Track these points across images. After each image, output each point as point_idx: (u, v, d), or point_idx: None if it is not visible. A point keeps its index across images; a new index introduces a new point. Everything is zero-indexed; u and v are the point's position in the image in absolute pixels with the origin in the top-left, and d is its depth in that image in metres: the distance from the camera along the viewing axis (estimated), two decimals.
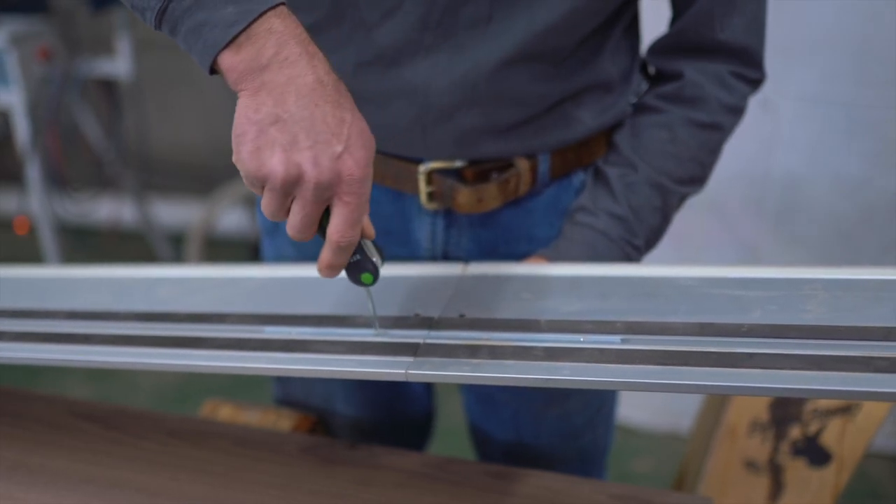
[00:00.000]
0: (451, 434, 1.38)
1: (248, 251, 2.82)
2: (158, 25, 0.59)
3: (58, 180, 2.47)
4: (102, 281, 0.89)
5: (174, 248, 2.85)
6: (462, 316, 0.68)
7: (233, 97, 0.56)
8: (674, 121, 0.82)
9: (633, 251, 0.82)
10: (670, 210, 0.83)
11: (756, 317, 0.62)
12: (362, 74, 0.77)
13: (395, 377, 0.60)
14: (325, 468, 0.85)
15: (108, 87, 2.56)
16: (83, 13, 2.45)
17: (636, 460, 1.89)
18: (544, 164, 0.82)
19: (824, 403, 0.99)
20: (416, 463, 0.85)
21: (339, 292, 0.75)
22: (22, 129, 2.31)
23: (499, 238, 0.85)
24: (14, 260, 1.71)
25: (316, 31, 0.75)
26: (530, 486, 0.81)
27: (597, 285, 0.71)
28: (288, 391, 1.03)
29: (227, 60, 0.55)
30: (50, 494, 0.83)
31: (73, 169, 2.55)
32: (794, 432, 1.02)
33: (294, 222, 0.57)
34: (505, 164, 0.81)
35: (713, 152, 0.84)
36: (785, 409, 1.01)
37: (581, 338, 0.62)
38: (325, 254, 0.58)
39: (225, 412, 1.00)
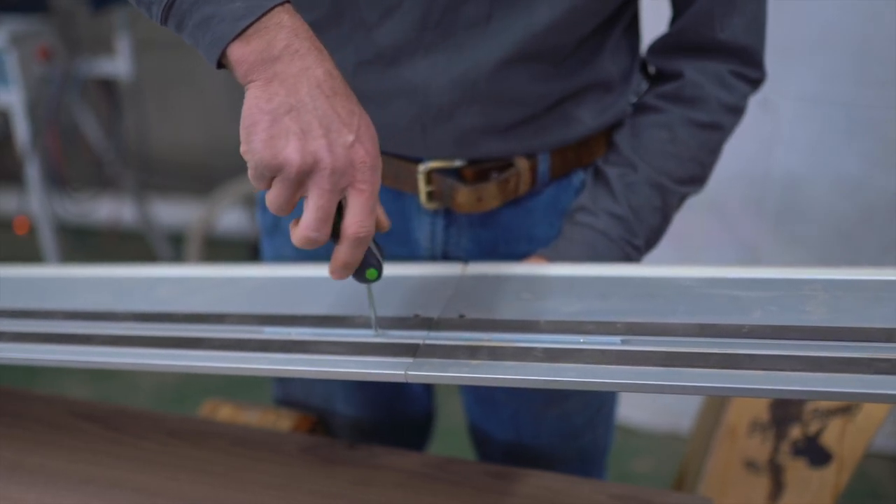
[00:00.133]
0: (451, 434, 1.38)
1: (248, 251, 2.82)
2: (164, 20, 0.59)
3: (58, 180, 2.47)
4: (102, 281, 0.89)
5: (174, 248, 2.85)
6: (462, 316, 0.67)
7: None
8: (674, 120, 0.82)
9: (633, 251, 0.82)
10: (670, 210, 0.83)
11: (756, 317, 0.61)
12: (362, 74, 0.76)
13: (395, 378, 0.60)
14: (325, 468, 0.85)
15: (108, 87, 2.56)
16: (83, 13, 2.45)
17: (636, 460, 1.89)
18: (544, 164, 0.82)
19: (824, 404, 0.99)
20: (416, 463, 0.85)
21: (339, 292, 0.75)
22: (22, 129, 2.31)
23: (498, 238, 0.85)
24: (14, 260, 1.71)
25: (315, 30, 0.74)
26: (530, 486, 0.81)
27: (597, 285, 0.71)
28: (288, 391, 1.03)
29: (238, 52, 0.55)
30: (49, 494, 0.83)
31: (73, 169, 2.55)
32: (795, 432, 1.02)
33: (309, 220, 0.55)
34: (505, 164, 0.81)
35: (713, 152, 0.84)
36: (785, 410, 1.01)
37: (581, 338, 0.61)
38: (342, 251, 0.57)
39: (224, 412, 1.00)
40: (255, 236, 2.70)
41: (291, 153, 0.54)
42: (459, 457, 0.86)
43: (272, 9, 0.55)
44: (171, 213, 3.05)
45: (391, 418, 1.03)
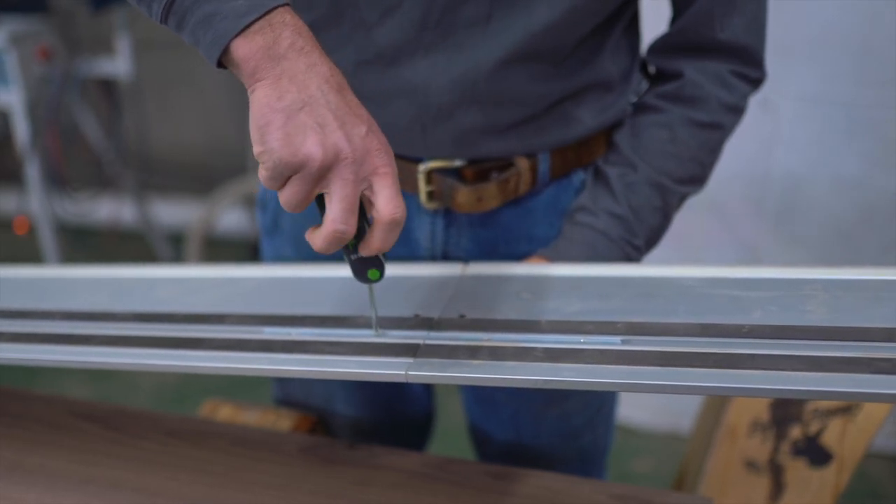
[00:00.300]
0: (450, 434, 1.38)
1: (248, 251, 2.82)
2: (165, 18, 0.59)
3: (57, 180, 2.47)
4: (102, 281, 0.89)
5: (174, 248, 2.85)
6: (462, 316, 0.67)
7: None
8: (674, 120, 0.82)
9: (634, 251, 0.82)
10: (670, 210, 0.83)
11: (757, 317, 0.61)
12: (362, 74, 0.76)
13: (396, 378, 0.60)
14: (325, 468, 0.85)
15: (107, 87, 2.56)
16: (83, 13, 2.46)
17: (636, 460, 1.89)
18: (544, 164, 0.82)
19: (825, 403, 0.99)
20: (416, 463, 0.85)
21: (339, 293, 0.75)
22: (22, 129, 2.31)
23: (499, 238, 0.85)
24: (13, 260, 1.71)
25: (315, 30, 0.75)
26: (530, 486, 0.81)
27: (597, 285, 0.71)
28: (287, 391, 1.03)
29: (243, 49, 0.55)
30: (49, 494, 0.83)
31: (72, 169, 2.55)
32: (795, 432, 1.02)
33: (336, 213, 0.55)
34: (505, 164, 0.81)
35: (713, 152, 0.84)
36: (785, 410, 1.01)
37: (581, 338, 0.61)
38: (378, 238, 0.57)
39: (224, 412, 1.00)
40: (255, 236, 2.70)
41: (312, 148, 0.53)
42: (459, 457, 0.86)
43: (275, 8, 0.56)
44: (171, 213, 3.05)
45: (391, 418, 1.03)
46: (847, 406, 0.98)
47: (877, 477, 1.79)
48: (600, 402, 0.98)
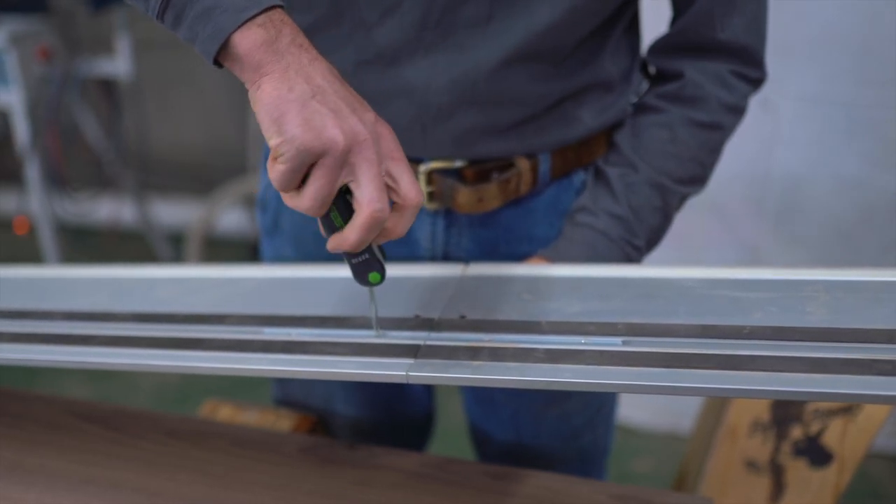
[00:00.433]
0: (451, 434, 1.38)
1: (248, 251, 2.82)
2: (162, 13, 0.58)
3: (57, 180, 2.47)
4: (102, 281, 0.89)
5: (174, 248, 2.85)
6: (463, 317, 0.67)
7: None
8: (674, 120, 0.82)
9: (634, 251, 0.82)
10: (671, 210, 0.83)
11: (757, 318, 0.61)
12: (362, 74, 0.76)
13: (396, 379, 0.60)
14: (325, 468, 0.85)
15: (107, 87, 2.56)
16: (83, 13, 2.45)
17: (636, 460, 1.88)
18: (545, 164, 0.82)
19: (825, 404, 0.99)
20: (416, 463, 0.85)
21: (339, 293, 0.75)
22: (21, 129, 2.31)
23: (499, 238, 0.85)
24: (13, 260, 1.71)
25: (315, 30, 0.75)
26: (530, 487, 0.80)
27: (598, 286, 0.70)
28: (287, 392, 1.03)
29: (246, 43, 0.55)
30: (49, 494, 0.83)
31: (72, 169, 2.55)
32: (795, 432, 1.02)
33: (372, 193, 0.54)
34: (505, 164, 0.81)
35: (714, 152, 0.84)
36: (786, 410, 1.01)
37: (582, 339, 0.61)
38: (405, 222, 0.57)
39: (224, 412, 1.00)
40: (255, 236, 2.70)
41: (333, 130, 0.53)
42: (459, 457, 0.86)
43: (273, 7, 0.56)
44: (171, 213, 3.05)
45: (391, 419, 1.03)
46: (848, 406, 0.98)
47: (877, 477, 1.79)
48: (600, 402, 0.98)
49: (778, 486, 1.06)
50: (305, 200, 0.55)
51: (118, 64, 2.38)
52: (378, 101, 0.76)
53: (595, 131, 0.83)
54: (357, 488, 0.82)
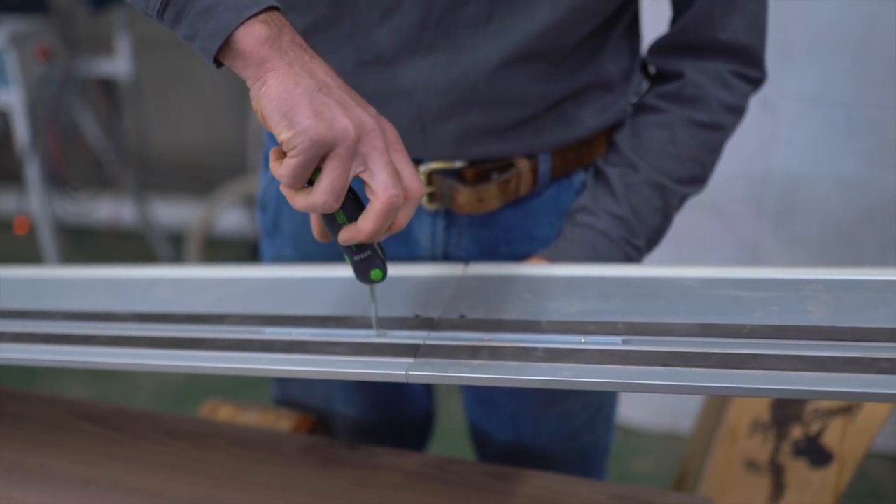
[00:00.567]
0: (451, 434, 1.38)
1: (248, 251, 2.82)
2: (163, 11, 0.58)
3: (57, 180, 2.47)
4: (102, 281, 0.89)
5: (174, 248, 2.85)
6: (463, 317, 0.67)
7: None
8: (674, 120, 0.82)
9: (634, 251, 0.82)
10: (671, 210, 0.83)
11: (758, 318, 0.61)
12: (362, 74, 0.76)
13: (396, 378, 0.60)
14: (325, 469, 0.85)
15: (107, 87, 2.56)
16: (83, 13, 2.46)
17: (636, 460, 1.88)
18: (545, 164, 0.82)
19: (825, 404, 0.99)
20: (416, 463, 0.85)
21: (339, 293, 0.75)
22: (21, 129, 2.31)
23: (499, 238, 0.85)
24: (13, 260, 1.71)
25: (315, 31, 0.75)
26: (530, 487, 0.80)
27: (598, 286, 0.70)
28: (287, 391, 1.03)
29: (249, 39, 0.55)
30: (48, 494, 0.83)
31: (72, 169, 2.55)
32: (796, 432, 1.02)
33: (385, 180, 0.54)
34: (505, 164, 0.81)
35: (714, 152, 0.84)
36: (786, 410, 1.01)
37: (582, 339, 0.61)
38: (405, 214, 0.57)
39: (224, 412, 1.00)
40: (255, 236, 2.70)
41: (343, 121, 0.54)
42: (459, 457, 0.86)
43: (272, 7, 0.56)
44: (171, 213, 3.05)
45: (391, 419, 1.03)
46: (848, 406, 0.98)
47: (877, 477, 1.79)
48: (600, 402, 0.98)
49: (778, 486, 1.06)
50: (320, 195, 0.54)
51: (118, 64, 2.38)
52: (378, 102, 0.76)
53: (595, 131, 0.83)
54: (357, 488, 0.82)
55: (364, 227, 0.56)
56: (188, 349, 0.69)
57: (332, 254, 0.82)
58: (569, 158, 0.83)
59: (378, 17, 0.74)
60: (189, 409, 1.25)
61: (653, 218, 0.82)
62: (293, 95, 0.53)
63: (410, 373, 0.59)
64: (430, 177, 0.80)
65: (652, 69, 0.86)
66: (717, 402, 1.12)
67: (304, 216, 0.87)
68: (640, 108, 0.85)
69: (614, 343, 0.60)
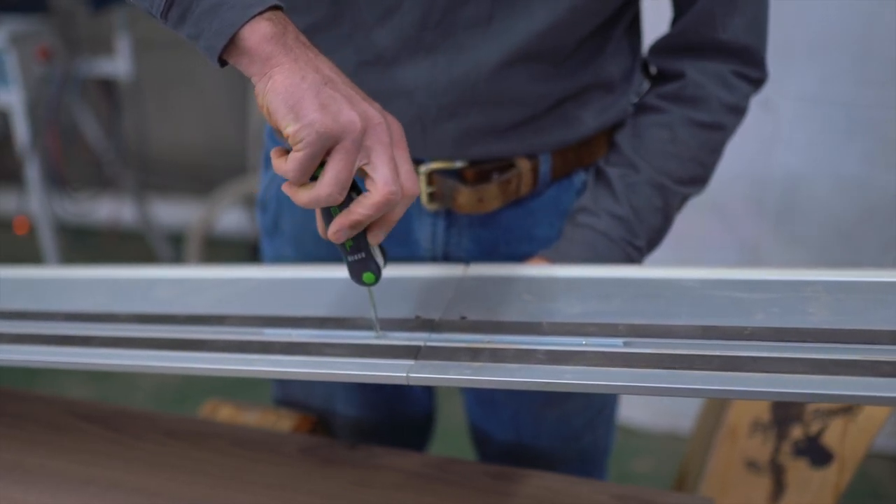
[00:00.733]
0: (451, 434, 1.38)
1: (248, 251, 2.82)
2: (167, 11, 0.59)
3: (57, 180, 2.47)
4: (102, 281, 0.89)
5: (174, 248, 2.84)
6: (463, 318, 0.67)
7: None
8: (675, 121, 0.82)
9: (635, 252, 0.82)
10: (672, 210, 0.83)
11: (758, 319, 0.61)
12: (362, 74, 0.76)
13: (397, 380, 0.60)
14: (325, 469, 0.85)
15: (107, 87, 2.56)
16: (83, 13, 2.45)
17: (636, 460, 1.88)
18: (545, 165, 0.82)
19: (826, 404, 0.99)
20: (416, 463, 0.85)
21: (340, 294, 0.75)
22: (21, 129, 2.31)
23: (499, 238, 0.85)
24: (13, 260, 1.71)
25: (315, 31, 0.75)
26: (530, 487, 0.80)
27: (599, 287, 0.70)
28: (287, 392, 1.03)
29: (256, 36, 0.55)
30: (48, 494, 0.83)
31: (72, 169, 2.55)
32: (796, 432, 1.02)
33: (387, 175, 0.55)
34: (506, 165, 0.81)
35: (714, 152, 0.84)
36: (786, 410, 1.01)
37: (583, 340, 0.61)
38: (398, 210, 0.58)
39: (224, 412, 1.00)
40: (255, 236, 2.70)
41: (350, 114, 0.54)
42: (459, 457, 0.86)
43: (275, 7, 0.57)
44: (171, 213, 3.05)
45: (391, 419, 1.02)
46: (848, 406, 0.98)
47: (878, 477, 1.79)
48: (601, 403, 0.98)
49: (778, 486, 1.06)
50: (325, 187, 0.55)
51: (118, 64, 2.38)
52: (378, 102, 0.76)
53: (596, 131, 0.83)
54: (357, 488, 0.82)
55: (356, 211, 0.56)
56: (188, 350, 0.69)
57: (332, 254, 0.82)
58: (569, 159, 0.83)
59: (378, 17, 0.73)
60: (188, 410, 1.25)
61: (653, 218, 0.82)
62: (299, 89, 0.54)
63: (411, 374, 0.59)
64: (431, 177, 0.80)
65: (653, 69, 0.86)
66: (718, 403, 1.12)
67: (304, 217, 0.87)
68: (641, 109, 0.84)
69: (615, 345, 0.60)
